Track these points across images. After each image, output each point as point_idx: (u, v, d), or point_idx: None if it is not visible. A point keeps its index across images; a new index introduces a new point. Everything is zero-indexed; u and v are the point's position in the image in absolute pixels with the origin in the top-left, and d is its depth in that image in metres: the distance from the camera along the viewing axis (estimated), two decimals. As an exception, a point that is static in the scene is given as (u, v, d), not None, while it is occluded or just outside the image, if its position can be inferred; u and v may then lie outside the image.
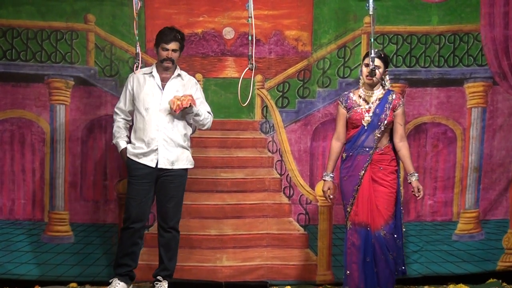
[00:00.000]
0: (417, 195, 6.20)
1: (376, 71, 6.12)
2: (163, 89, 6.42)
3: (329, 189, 6.32)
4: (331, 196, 6.34)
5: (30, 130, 7.01)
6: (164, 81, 6.44)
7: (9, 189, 7.03)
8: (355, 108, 6.24)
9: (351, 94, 6.30)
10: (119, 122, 6.52)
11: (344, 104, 6.29)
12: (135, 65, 6.23)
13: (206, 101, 6.86)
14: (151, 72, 6.47)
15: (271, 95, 7.14)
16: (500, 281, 7.12)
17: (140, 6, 6.11)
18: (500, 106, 7.17)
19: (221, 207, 7.15)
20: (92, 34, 6.97)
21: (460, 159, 7.21)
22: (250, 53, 6.07)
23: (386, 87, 6.26)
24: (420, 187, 6.21)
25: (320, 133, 7.13)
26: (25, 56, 6.93)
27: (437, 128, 7.17)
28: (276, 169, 7.17)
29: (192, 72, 7.00)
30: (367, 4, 6.15)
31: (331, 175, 6.33)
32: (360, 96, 6.26)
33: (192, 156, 6.60)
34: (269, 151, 7.17)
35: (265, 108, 7.14)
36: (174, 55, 6.40)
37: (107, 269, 6.94)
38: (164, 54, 6.38)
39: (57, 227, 7.04)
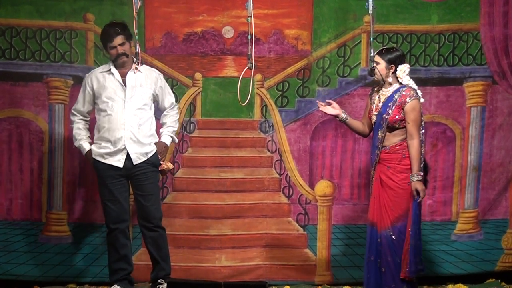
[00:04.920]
0: (415, 198, 5.98)
1: (376, 68, 6.08)
2: (125, 84, 6.28)
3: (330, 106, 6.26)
4: (321, 105, 6.27)
5: (28, 130, 6.99)
6: (123, 76, 6.29)
7: (7, 189, 7.01)
8: (371, 105, 6.20)
9: (375, 90, 6.20)
10: (79, 124, 6.38)
11: (369, 96, 6.27)
12: (134, 65, 6.27)
13: (205, 100, 6.87)
14: (109, 70, 6.31)
15: (270, 94, 7.14)
16: (499, 280, 7.12)
17: (139, 5, 6.14)
18: (500, 105, 7.18)
19: (220, 207, 7.13)
20: (91, 33, 6.96)
21: (459, 158, 7.21)
22: (249, 52, 6.07)
23: (404, 83, 6.08)
24: (419, 189, 5.95)
25: (319, 133, 7.13)
26: (24, 55, 6.92)
27: (436, 127, 7.17)
28: (275, 169, 7.17)
29: (191, 71, 7.03)
30: (367, 3, 6.16)
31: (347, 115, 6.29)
32: (377, 93, 6.20)
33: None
34: (269, 150, 7.16)
35: (264, 107, 7.14)
36: (125, 48, 6.23)
37: (106, 269, 6.87)
38: (113, 52, 6.24)
39: (55, 227, 7.02)
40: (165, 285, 6.46)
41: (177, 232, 6.99)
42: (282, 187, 7.18)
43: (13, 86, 6.92)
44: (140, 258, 6.90)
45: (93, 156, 6.29)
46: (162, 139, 6.45)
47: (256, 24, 6.26)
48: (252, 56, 6.08)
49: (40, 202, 7.02)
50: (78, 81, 6.91)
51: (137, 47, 6.21)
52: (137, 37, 6.21)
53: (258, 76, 7.07)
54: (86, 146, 6.35)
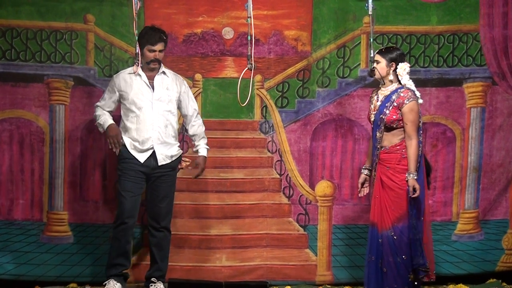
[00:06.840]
0: (410, 194, 5.96)
1: (376, 67, 6.06)
2: (152, 87, 6.39)
3: (362, 184, 6.30)
4: (361, 192, 6.33)
5: (29, 130, 7.00)
6: (150, 79, 6.41)
7: (8, 189, 7.02)
8: (370, 106, 6.21)
9: (375, 92, 6.20)
10: (102, 111, 6.43)
11: (370, 99, 6.26)
12: (134, 65, 6.29)
13: (206, 101, 6.88)
14: (137, 71, 6.40)
15: (270, 95, 7.14)
16: (500, 281, 7.11)
17: (139, 6, 6.17)
18: (499, 106, 7.17)
19: (220, 207, 7.14)
20: (91, 34, 6.97)
21: (459, 159, 7.21)
22: (249, 53, 6.08)
23: (403, 83, 6.07)
24: (417, 186, 5.94)
25: (319, 133, 7.13)
26: (25, 56, 6.92)
27: (436, 128, 7.16)
28: (275, 169, 7.17)
29: (191, 72, 7.03)
30: (367, 4, 6.17)
31: (364, 167, 6.32)
32: (376, 93, 6.19)
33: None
34: (269, 151, 7.16)
35: (264, 108, 7.14)
36: (160, 55, 6.38)
37: (107, 269, 6.95)
38: (151, 55, 6.34)
39: (56, 227, 7.03)
40: (159, 284, 6.52)
41: (177, 232, 6.97)
42: (282, 187, 7.18)
43: (14, 87, 6.93)
44: (141, 258, 6.94)
45: (123, 140, 6.35)
46: (201, 153, 6.62)
47: (255, 25, 6.28)
48: (252, 57, 6.09)
49: (41, 202, 7.03)
50: (79, 82, 6.95)
51: (137, 48, 6.23)
52: (137, 38, 6.24)
53: (258, 77, 7.07)
54: (109, 120, 6.39)
